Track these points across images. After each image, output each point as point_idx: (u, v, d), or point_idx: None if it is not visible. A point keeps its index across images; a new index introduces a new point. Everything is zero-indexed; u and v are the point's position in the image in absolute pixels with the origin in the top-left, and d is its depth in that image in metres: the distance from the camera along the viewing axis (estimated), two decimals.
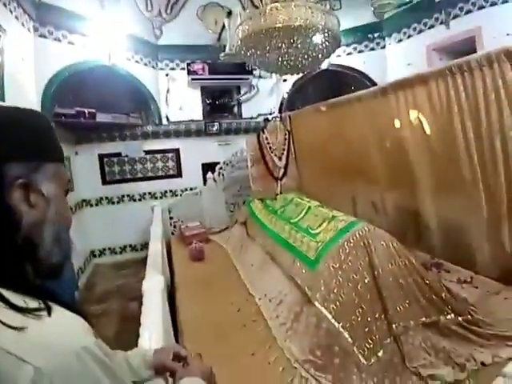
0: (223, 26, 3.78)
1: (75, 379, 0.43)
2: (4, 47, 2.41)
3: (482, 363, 1.43)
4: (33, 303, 0.47)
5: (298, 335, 1.68)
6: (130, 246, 4.44)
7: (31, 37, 2.96)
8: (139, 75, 4.01)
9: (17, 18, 2.67)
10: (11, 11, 2.56)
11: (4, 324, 0.43)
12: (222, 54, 3.36)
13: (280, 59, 2.37)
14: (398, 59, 3.81)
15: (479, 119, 1.89)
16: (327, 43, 2.23)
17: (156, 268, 1.97)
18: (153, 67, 4.25)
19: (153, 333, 1.25)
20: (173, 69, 4.37)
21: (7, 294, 0.46)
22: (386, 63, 3.89)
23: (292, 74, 2.68)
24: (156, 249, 2.31)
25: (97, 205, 4.31)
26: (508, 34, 2.65)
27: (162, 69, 4.34)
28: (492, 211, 1.97)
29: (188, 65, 4.21)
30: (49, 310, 0.47)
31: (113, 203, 4.38)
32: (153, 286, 1.66)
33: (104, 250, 4.38)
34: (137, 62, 3.99)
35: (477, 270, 2.17)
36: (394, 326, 1.58)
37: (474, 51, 2.77)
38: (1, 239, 0.50)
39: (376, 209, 3.00)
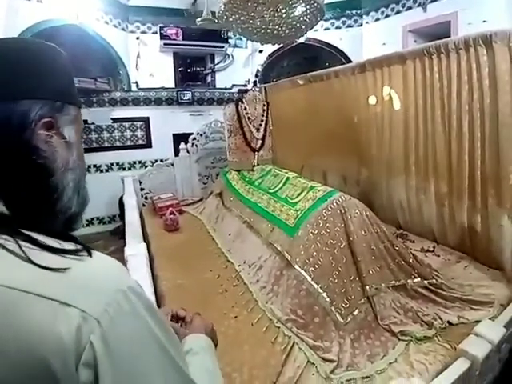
0: None
1: (122, 320, 0.41)
2: None
3: (449, 322, 1.60)
4: (68, 245, 0.44)
5: (279, 297, 1.76)
6: (98, 218, 4.30)
7: None
8: (108, 37, 3.72)
9: None
10: None
11: (41, 267, 0.39)
12: (199, 19, 3.21)
13: (263, 27, 2.32)
14: (373, 38, 3.87)
15: (450, 100, 2.00)
16: (311, 14, 2.22)
17: (136, 236, 1.95)
18: (123, 29, 3.97)
19: None
20: (144, 32, 4.11)
21: (38, 236, 0.43)
22: (362, 41, 3.93)
23: (273, 44, 2.64)
24: (133, 217, 2.27)
25: None
26: (484, 21, 2.76)
27: (132, 31, 4.06)
28: (453, 188, 2.14)
29: (161, 29, 3.97)
30: (88, 251, 0.44)
31: None
32: (135, 252, 1.65)
33: None
34: (106, 22, 3.70)
35: (437, 241, 2.38)
36: (367, 287, 1.70)
37: (449, 36, 2.88)
38: (26, 181, 0.47)
39: (346, 182, 3.12)
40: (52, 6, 3.11)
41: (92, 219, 4.29)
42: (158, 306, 1.87)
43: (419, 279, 1.79)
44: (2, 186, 0.45)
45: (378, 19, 3.80)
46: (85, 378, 0.38)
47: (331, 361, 1.41)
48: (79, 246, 0.44)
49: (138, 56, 4.03)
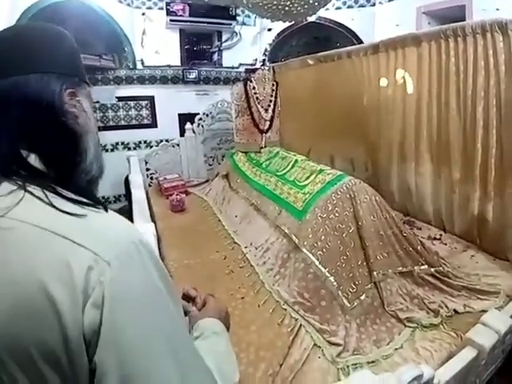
0: None
1: (131, 268, 0.43)
2: None
3: (455, 311, 1.60)
4: (88, 201, 0.47)
5: (286, 279, 1.77)
6: (103, 197, 4.27)
7: None
8: (113, 13, 3.59)
9: None
10: None
11: (62, 211, 0.43)
12: None
13: (275, 3, 2.23)
14: (386, 19, 3.72)
15: (466, 85, 1.94)
16: None
17: (143, 215, 1.94)
18: (128, 5, 3.82)
19: None
20: (150, 8, 3.97)
21: (62, 190, 0.47)
22: (375, 22, 3.79)
23: (284, 21, 2.55)
24: (140, 196, 2.25)
25: None
26: (498, 9, 2.67)
27: (138, 7, 3.92)
28: (465, 175, 2.10)
29: (167, 4, 3.83)
30: (105, 207, 0.48)
31: None
32: (144, 231, 1.65)
33: None
34: None
35: (445, 229, 2.36)
36: (374, 273, 1.70)
37: (464, 20, 2.77)
38: (57, 139, 0.52)
39: (354, 166, 3.08)
40: None
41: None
42: None
43: (426, 266, 1.78)
44: (39, 144, 0.50)
45: None
46: (90, 319, 0.39)
47: (337, 344, 1.42)
48: (97, 202, 0.48)
49: (143, 33, 3.91)
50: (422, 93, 2.24)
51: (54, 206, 0.43)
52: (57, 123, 0.53)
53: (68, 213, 0.43)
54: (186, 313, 0.81)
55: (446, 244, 2.23)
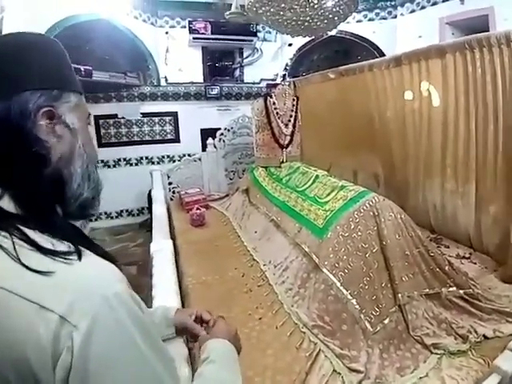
0: None
1: (102, 329, 0.39)
2: (5, 4, 2.25)
3: (484, 336, 1.48)
4: (61, 246, 0.43)
5: (306, 301, 1.70)
6: (127, 210, 4.40)
7: None
8: (138, 32, 3.76)
9: None
10: None
11: (28, 268, 0.39)
12: (228, 13, 3.16)
13: (294, 19, 2.24)
14: (409, 31, 3.67)
15: (496, 97, 1.85)
16: (345, 5, 2.12)
17: (162, 231, 1.95)
18: (152, 24, 3.99)
19: (168, 294, 1.24)
20: (173, 27, 4.12)
21: (34, 235, 0.43)
22: (396, 34, 3.74)
23: (305, 36, 2.55)
24: (161, 212, 2.28)
25: None
26: None
27: (161, 26, 4.08)
28: (493, 192, 1.99)
29: (190, 23, 3.96)
30: (79, 254, 0.43)
31: (109, 167, 4.28)
32: (161, 248, 1.65)
33: (100, 214, 4.31)
34: (135, 17, 3.73)
35: (473, 247, 2.23)
36: (399, 295, 1.61)
37: (487, 30, 2.69)
38: (30, 174, 0.46)
39: (378, 182, 2.99)
40: (82, 1, 3.16)
41: (121, 211, 4.40)
42: (182, 303, 1.87)
43: (455, 288, 1.67)
44: (8, 181, 0.46)
45: (413, 11, 3.59)
46: (59, 380, 0.38)
47: (358, 371, 1.34)
48: (72, 248, 0.44)
49: (167, 51, 4.05)
50: (447, 106, 2.16)
51: (20, 263, 0.40)
52: (28, 154, 0.47)
53: (35, 271, 0.40)
54: (195, 334, 0.81)
55: (475, 263, 2.10)
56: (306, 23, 2.28)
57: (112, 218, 4.36)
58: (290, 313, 1.70)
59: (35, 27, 2.82)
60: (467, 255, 2.19)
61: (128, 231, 4.06)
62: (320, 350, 1.45)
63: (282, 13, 2.22)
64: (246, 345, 1.51)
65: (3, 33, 2.19)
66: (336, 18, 2.29)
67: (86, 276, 0.42)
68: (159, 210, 2.30)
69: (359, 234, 1.77)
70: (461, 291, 1.67)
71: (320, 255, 1.79)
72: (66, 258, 0.42)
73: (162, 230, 1.99)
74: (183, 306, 1.82)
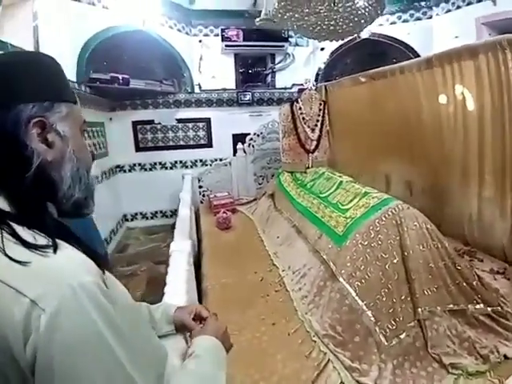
0: None
1: (67, 315, 0.43)
2: (38, 11, 2.42)
3: (505, 356, 1.39)
4: (42, 240, 0.49)
5: (320, 309, 1.68)
6: (161, 211, 4.57)
7: (66, 1, 2.95)
8: (173, 41, 3.93)
9: None
10: None
11: (10, 259, 0.45)
12: (258, 19, 3.21)
13: (319, 23, 2.23)
14: (445, 31, 3.47)
15: None
16: (370, 7, 2.07)
17: (184, 232, 2.02)
18: (186, 33, 4.15)
19: (177, 292, 1.28)
20: (206, 35, 4.25)
21: (22, 230, 0.49)
22: (432, 35, 3.56)
23: (331, 41, 2.52)
24: (185, 214, 2.36)
25: (130, 171, 4.43)
26: None
27: (195, 35, 4.23)
28: None
29: (222, 31, 4.07)
30: (55, 248, 0.48)
31: (145, 170, 4.48)
32: (180, 248, 1.71)
33: (136, 214, 4.54)
34: (170, 27, 3.91)
35: (508, 262, 2.05)
36: (419, 309, 1.54)
37: None
38: (20, 178, 0.52)
39: (411, 190, 2.86)
40: (119, 12, 3.36)
41: (156, 212, 4.59)
42: (200, 302, 1.92)
43: (482, 305, 1.56)
44: (3, 183, 0.52)
45: (448, 10, 3.40)
46: (29, 359, 0.43)
47: None
48: (50, 242, 0.49)
49: (200, 58, 4.18)
50: (482, 110, 2.02)
51: (5, 253, 0.45)
52: (18, 161, 0.52)
53: (15, 260, 0.45)
54: (191, 330, 0.85)
55: (509, 279, 1.93)
56: (331, 27, 2.26)
57: (147, 218, 4.57)
58: (304, 320, 1.68)
59: (75, 38, 3.07)
60: (501, 270, 2.02)
61: (161, 231, 4.22)
62: (329, 360, 1.42)
63: (306, 18, 2.22)
64: (257, 348, 1.54)
65: (40, 41, 2.43)
66: (362, 21, 2.25)
67: (57, 267, 0.47)
68: (183, 212, 2.38)
69: (379, 243, 1.71)
70: (489, 309, 1.56)
71: (337, 263, 1.76)
72: (42, 251, 0.47)
73: (183, 231, 2.06)
74: (200, 303, 1.89)
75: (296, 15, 2.19)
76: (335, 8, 2.06)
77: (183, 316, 0.87)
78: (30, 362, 0.43)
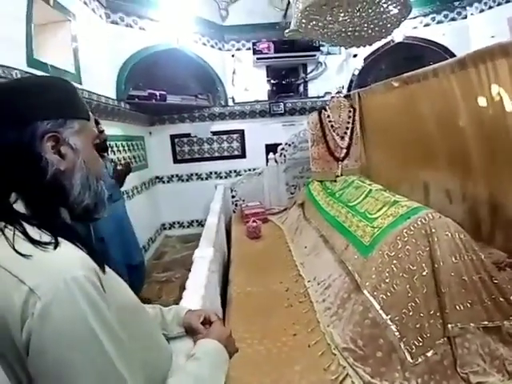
0: (288, 2, 3.63)
1: (59, 304, 0.48)
2: (77, 34, 2.63)
3: None
4: (46, 238, 0.55)
5: (342, 322, 1.62)
6: (197, 221, 4.72)
7: (103, 23, 3.21)
8: (206, 57, 4.11)
9: (85, 3, 2.87)
10: None
11: (17, 252, 0.52)
12: (287, 31, 3.25)
13: (343, 30, 2.21)
14: (480, 31, 3.27)
15: None
16: (396, 10, 2.02)
17: (209, 240, 2.07)
18: (219, 49, 4.32)
19: (194, 297, 1.32)
20: (239, 49, 4.39)
21: (31, 229, 0.56)
22: (468, 35, 3.36)
23: (358, 47, 2.48)
24: (211, 223, 2.42)
25: (168, 182, 4.65)
26: None
27: (228, 50, 4.39)
28: None
29: (253, 44, 4.17)
30: (56, 245, 0.54)
31: (182, 181, 4.67)
32: (202, 255, 1.76)
33: (174, 223, 4.73)
34: (204, 44, 4.09)
35: None
36: (449, 326, 1.43)
37: None
38: (35, 184, 0.60)
39: (450, 198, 2.69)
40: (154, 32, 3.59)
41: (192, 221, 4.75)
42: (224, 308, 1.95)
43: None
44: (21, 188, 0.60)
45: (482, 10, 3.21)
46: (24, 341, 0.48)
47: None
48: (53, 240, 0.55)
49: (233, 72, 4.31)
50: None
51: (13, 247, 0.52)
52: (36, 172, 0.60)
53: (20, 253, 0.51)
54: (198, 333, 0.87)
55: None
56: (356, 33, 2.24)
57: (184, 227, 4.74)
58: (325, 332, 1.64)
59: (114, 58, 3.32)
60: None
61: (196, 240, 4.29)
62: (348, 374, 1.36)
63: (330, 25, 2.22)
64: (275, 358, 1.53)
65: (81, 62, 2.65)
66: (389, 25, 2.20)
67: (54, 261, 0.52)
68: (211, 221, 2.44)
69: (407, 254, 1.62)
70: None
71: (362, 275, 1.70)
72: (44, 247, 0.53)
73: (208, 238, 2.11)
74: (224, 313, 1.91)
75: (319, 24, 2.20)
76: (358, 14, 2.04)
77: (192, 319, 0.89)
78: (25, 344, 0.47)
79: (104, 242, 2.30)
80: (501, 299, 1.46)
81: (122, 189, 2.76)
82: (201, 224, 4.74)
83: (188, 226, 4.75)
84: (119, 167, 2.66)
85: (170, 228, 4.72)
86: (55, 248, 0.54)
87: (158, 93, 3.63)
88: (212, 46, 4.19)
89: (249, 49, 4.30)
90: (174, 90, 3.95)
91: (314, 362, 1.47)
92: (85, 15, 2.82)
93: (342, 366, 1.41)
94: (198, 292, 1.37)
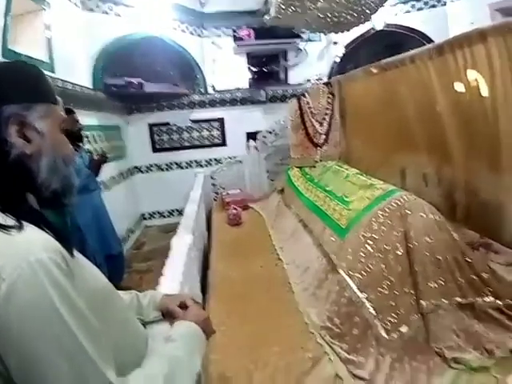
0: None
1: (24, 285, 0.48)
2: (51, 22, 2.54)
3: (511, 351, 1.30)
4: (10, 222, 0.54)
5: (320, 301, 1.65)
6: (177, 210, 4.64)
7: (79, 11, 3.09)
8: (185, 44, 4.02)
9: None
10: None
11: None
12: (266, 17, 3.20)
13: (321, 16, 2.20)
14: (460, 18, 3.33)
15: None
16: None
17: (187, 227, 2.05)
18: (198, 35, 4.23)
19: (171, 283, 1.30)
20: (218, 36, 4.31)
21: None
22: (447, 22, 3.41)
23: (337, 32, 2.49)
24: (191, 210, 2.40)
25: (147, 171, 4.56)
26: None
27: (207, 37, 4.31)
28: None
29: (234, 31, 4.11)
30: (20, 228, 0.54)
31: (162, 170, 4.60)
32: (180, 242, 1.74)
33: (153, 213, 4.66)
34: (183, 31, 4.00)
35: None
36: (423, 302, 1.47)
37: None
38: (5, 170, 0.59)
39: (426, 182, 2.76)
40: (132, 19, 3.48)
41: (172, 211, 4.69)
42: (204, 294, 1.95)
43: (492, 298, 1.47)
44: None
45: None
46: None
47: (362, 379, 1.25)
48: (17, 223, 0.54)
49: (213, 60, 4.24)
50: (496, 95, 1.91)
51: None
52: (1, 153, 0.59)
53: None
54: (175, 317, 0.87)
55: None
56: (335, 19, 2.23)
57: (164, 216, 4.68)
58: (303, 313, 1.66)
59: (90, 47, 3.20)
60: None
61: (175, 229, 4.29)
62: (325, 352, 1.39)
63: (309, 11, 2.21)
64: (255, 340, 1.54)
65: (55, 51, 2.55)
66: (368, 11, 2.20)
67: (18, 244, 0.52)
68: (190, 209, 2.42)
69: (382, 234, 1.66)
70: (499, 302, 1.47)
71: (339, 256, 1.72)
72: (7, 230, 0.53)
73: (187, 226, 2.09)
74: (204, 298, 1.91)
75: (299, 10, 2.18)
76: (337, 0, 2.03)
77: (169, 303, 0.89)
78: None
79: (81, 231, 2.26)
80: (474, 277, 1.50)
81: (99, 179, 2.70)
82: (181, 213, 4.66)
83: (168, 216, 4.69)
84: (95, 157, 2.60)
85: (149, 218, 4.66)
86: (19, 231, 0.53)
87: (135, 81, 3.53)
88: (191, 33, 4.10)
89: (229, 36, 4.23)
90: (152, 78, 3.85)
91: (293, 342, 1.48)
92: (59, 3, 2.71)
93: (320, 344, 1.43)
94: (175, 278, 1.35)
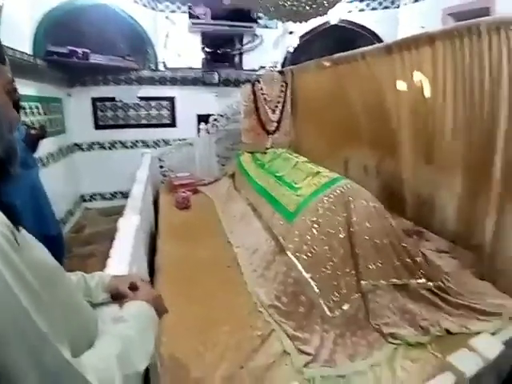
0: None
1: None
2: None
3: (447, 331, 1.46)
4: None
5: (267, 282, 1.71)
6: (121, 192, 4.42)
7: None
8: (137, 16, 3.76)
9: None
10: None
11: None
12: None
13: (281, 3, 2.20)
14: (411, 21, 3.57)
15: (483, 88, 1.78)
16: None
17: (134, 209, 1.96)
18: (152, 8, 3.98)
19: (119, 265, 1.25)
20: (173, 11, 4.10)
21: None
22: (398, 24, 3.65)
23: (295, 22, 2.51)
24: (138, 191, 2.30)
25: (88, 149, 4.24)
26: None
27: (162, 10, 4.07)
28: (471, 183, 1.93)
29: (189, 7, 3.94)
30: None
31: (104, 149, 4.31)
32: (127, 223, 1.66)
33: (94, 195, 4.37)
34: (135, 1, 3.73)
35: (456, 242, 2.17)
36: (363, 282, 1.60)
37: None
38: None
39: (367, 173, 2.96)
40: None
41: (115, 193, 4.44)
42: (152, 277, 1.90)
43: (424, 280, 1.64)
44: None
45: (416, 0, 3.49)
46: None
47: (308, 354, 1.33)
48: None
49: (166, 35, 4.03)
50: (437, 96, 2.09)
51: None
52: None
53: None
54: (125, 297, 0.84)
55: (454, 258, 2.05)
56: (295, 8, 2.25)
57: (106, 198, 4.41)
58: (252, 293, 1.70)
59: (34, 10, 2.86)
60: (447, 249, 2.14)
61: (121, 212, 4.08)
62: (273, 330, 1.45)
63: None
64: (204, 321, 1.54)
65: (2, 18, 2.23)
66: (326, 4, 2.25)
67: None
68: (136, 190, 2.32)
69: (327, 219, 1.75)
70: (430, 283, 1.64)
71: (287, 238, 1.79)
72: None
73: (135, 206, 2.01)
74: (152, 281, 1.86)
75: None
76: None
77: (118, 285, 0.87)
78: None
79: (17, 209, 2.04)
80: (408, 260, 1.66)
81: (36, 155, 2.45)
82: (125, 196, 4.44)
83: (110, 198, 4.43)
84: (33, 131, 2.35)
85: (90, 200, 4.35)
86: None
87: (80, 50, 3.23)
88: (144, 5, 3.84)
89: (184, 12, 4.04)
90: (99, 48, 3.55)
91: (242, 322, 1.52)
92: None
93: (267, 322, 1.49)
94: (123, 260, 1.29)
